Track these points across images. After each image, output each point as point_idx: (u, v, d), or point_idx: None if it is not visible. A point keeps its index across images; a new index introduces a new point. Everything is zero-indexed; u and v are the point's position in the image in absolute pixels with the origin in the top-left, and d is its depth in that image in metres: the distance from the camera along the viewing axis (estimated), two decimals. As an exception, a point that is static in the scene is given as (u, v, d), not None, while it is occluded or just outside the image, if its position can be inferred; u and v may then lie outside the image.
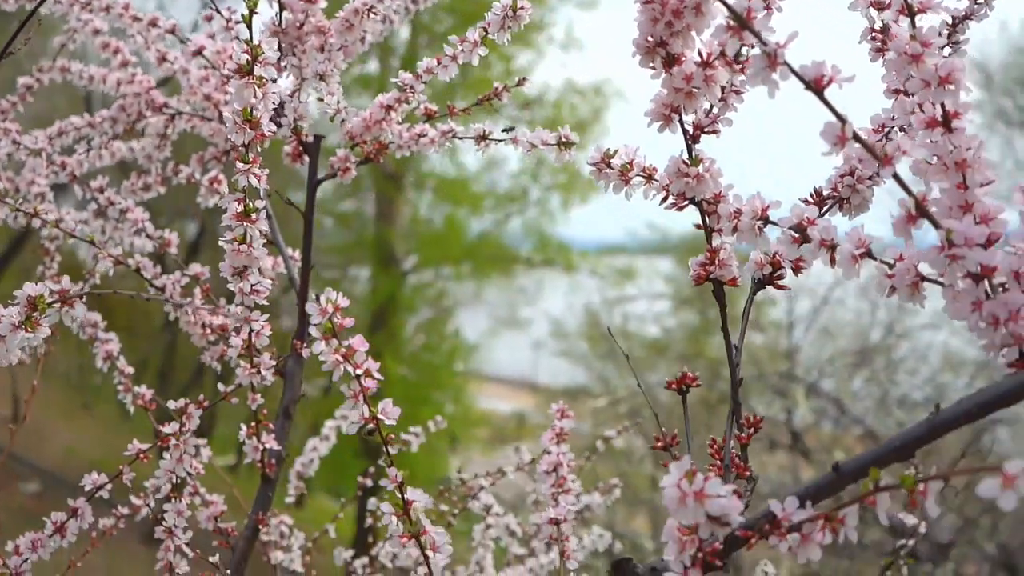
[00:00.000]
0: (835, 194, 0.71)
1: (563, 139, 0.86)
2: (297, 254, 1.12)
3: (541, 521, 0.91)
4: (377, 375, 0.65)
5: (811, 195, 0.72)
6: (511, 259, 14.11)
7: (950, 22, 0.74)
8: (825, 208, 0.72)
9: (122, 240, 1.27)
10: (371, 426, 0.66)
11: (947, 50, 0.75)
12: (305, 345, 1.01)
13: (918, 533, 1.10)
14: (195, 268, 1.10)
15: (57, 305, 0.68)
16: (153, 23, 1.13)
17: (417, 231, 13.58)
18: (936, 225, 0.53)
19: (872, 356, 6.88)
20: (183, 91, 1.21)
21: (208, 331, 1.06)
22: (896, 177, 0.53)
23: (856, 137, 0.52)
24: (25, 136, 1.18)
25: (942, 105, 0.56)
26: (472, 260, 13.92)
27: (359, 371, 0.64)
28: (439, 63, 0.95)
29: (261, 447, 1.00)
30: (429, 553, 0.67)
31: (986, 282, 0.55)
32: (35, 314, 0.68)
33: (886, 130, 0.72)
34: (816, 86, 0.52)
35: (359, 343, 0.65)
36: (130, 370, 1.13)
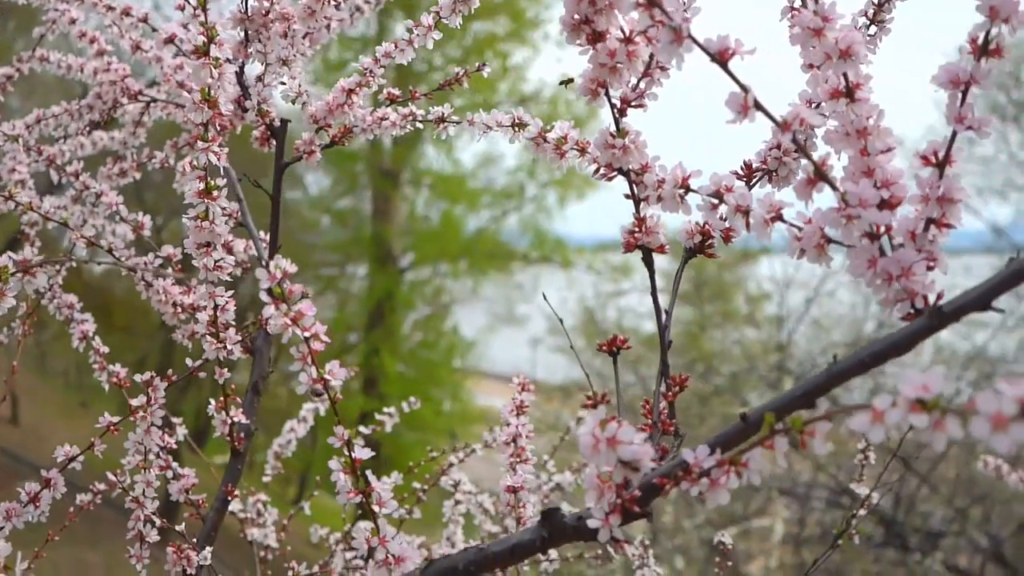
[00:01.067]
0: (764, 166, 0.75)
1: (516, 121, 0.89)
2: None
3: (499, 489, 0.95)
4: (324, 338, 0.69)
5: (741, 167, 0.75)
6: (508, 256, 14.14)
7: (876, 1, 0.78)
8: (755, 180, 0.75)
9: (103, 228, 1.30)
10: (319, 387, 0.69)
11: (872, 28, 0.78)
12: (270, 321, 1.04)
13: (869, 502, 1.13)
14: (167, 249, 1.13)
15: (19, 275, 0.71)
16: (126, 12, 1.17)
17: (414, 228, 13.61)
18: (834, 188, 0.57)
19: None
20: (159, 79, 1.25)
21: (179, 310, 1.09)
22: (796, 142, 0.56)
23: (757, 105, 0.56)
24: (4, 124, 1.22)
25: (844, 76, 0.59)
26: (469, 257, 13.96)
27: (307, 334, 0.68)
28: (396, 47, 0.98)
29: (229, 421, 1.03)
30: (375, 508, 0.70)
31: (886, 241, 0.58)
32: None
33: (813, 105, 0.75)
34: (721, 58, 0.56)
35: (307, 308, 0.68)
36: (105, 349, 1.16)
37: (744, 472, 0.56)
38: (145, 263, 1.10)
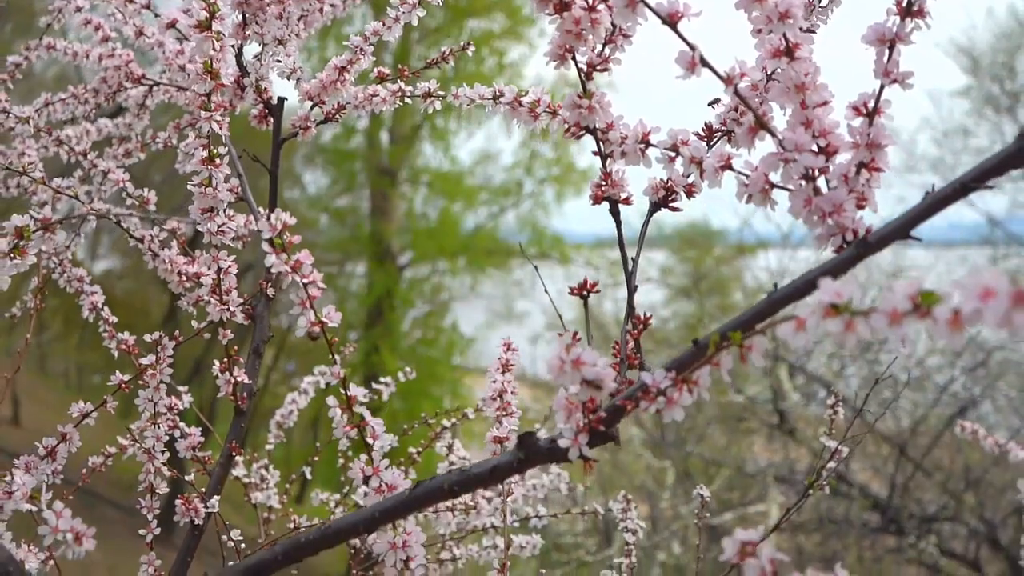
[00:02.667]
0: (723, 127, 0.81)
1: (496, 94, 0.96)
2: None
3: (486, 441, 1.01)
4: (321, 285, 0.75)
5: (702, 128, 0.82)
6: (506, 252, 14.19)
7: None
8: (715, 140, 0.81)
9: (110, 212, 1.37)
10: (315, 330, 0.76)
11: (825, 1, 0.85)
12: (271, 286, 1.11)
13: (839, 454, 1.20)
14: (172, 223, 1.20)
15: (41, 232, 0.78)
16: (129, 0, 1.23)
17: (412, 226, 13.66)
18: (773, 135, 0.63)
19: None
20: (160, 63, 1.31)
21: (184, 279, 1.16)
22: (738, 95, 0.63)
23: (703, 62, 0.62)
24: (14, 107, 1.28)
25: (784, 37, 0.66)
26: (467, 254, 14.01)
27: (306, 280, 0.74)
28: (384, 24, 1.05)
29: (233, 381, 1.10)
30: (369, 440, 0.77)
31: (821, 183, 0.65)
32: (21, 242, 0.78)
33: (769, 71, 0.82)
34: (671, 20, 0.63)
35: (305, 256, 0.75)
36: (114, 319, 1.23)
37: (695, 389, 0.63)
38: (151, 235, 1.17)
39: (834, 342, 0.50)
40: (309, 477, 1.47)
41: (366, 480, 0.76)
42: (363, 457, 0.78)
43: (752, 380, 7.03)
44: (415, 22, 1.02)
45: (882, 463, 6.87)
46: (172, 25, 1.17)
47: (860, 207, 0.63)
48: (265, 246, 0.74)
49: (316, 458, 1.51)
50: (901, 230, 0.59)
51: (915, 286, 0.45)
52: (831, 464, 1.18)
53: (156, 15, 1.22)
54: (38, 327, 1.31)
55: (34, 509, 0.78)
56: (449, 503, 1.33)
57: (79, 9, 1.31)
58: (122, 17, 1.26)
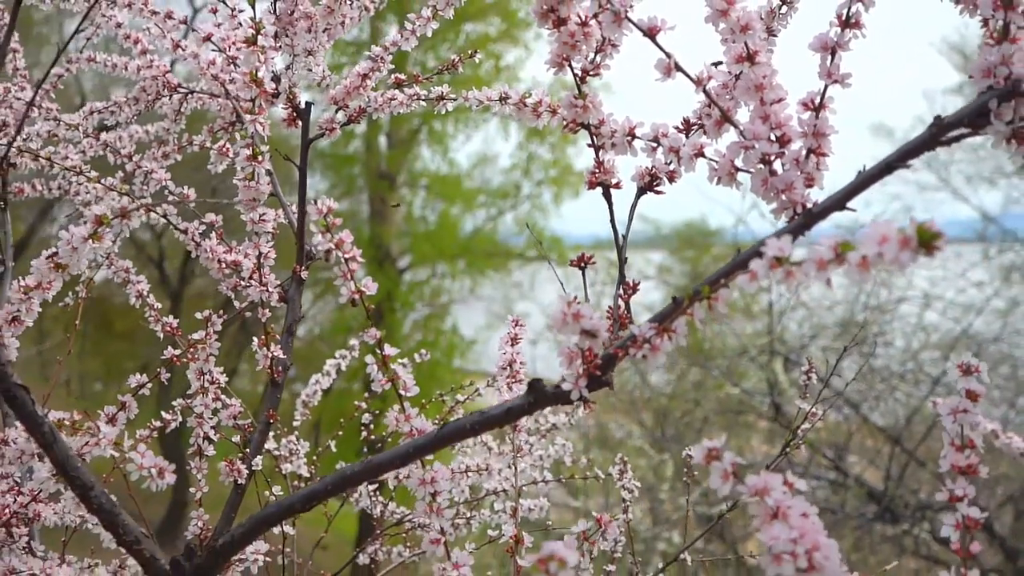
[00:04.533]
0: (699, 121, 0.95)
1: (503, 95, 1.09)
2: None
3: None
4: (360, 259, 0.89)
5: (681, 122, 0.95)
6: (505, 254, 14.32)
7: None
8: (692, 132, 0.95)
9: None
10: (356, 296, 0.89)
11: (784, 8, 0.98)
12: (304, 269, 1.24)
13: (812, 417, 1.33)
14: (210, 217, 1.33)
15: (118, 219, 0.91)
16: (168, 16, 1.37)
17: (411, 229, 13.78)
18: (736, 127, 0.77)
19: (852, 330, 7.14)
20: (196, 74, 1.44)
21: (223, 266, 1.29)
22: (706, 94, 0.76)
23: (678, 67, 0.76)
24: (64, 115, 1.42)
25: (746, 44, 0.79)
26: (466, 256, 14.13)
27: (347, 256, 0.88)
28: (402, 36, 1.19)
29: (270, 355, 1.23)
30: (402, 392, 0.90)
31: (778, 166, 0.78)
32: (100, 228, 0.91)
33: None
34: (650, 33, 0.76)
35: (347, 235, 0.89)
36: (159, 305, 1.36)
37: (673, 336, 0.76)
38: (193, 228, 1.30)
39: (786, 289, 0.63)
40: (334, 450, 1.60)
41: (398, 424, 0.89)
42: (396, 407, 0.91)
43: (750, 375, 7.17)
44: (429, 34, 1.16)
45: (876, 456, 7.01)
46: (208, 39, 1.31)
47: (809, 186, 0.77)
48: (313, 227, 0.88)
49: (340, 432, 1.64)
50: (838, 203, 0.72)
51: (836, 239, 0.59)
52: (805, 425, 1.31)
53: (193, 30, 1.36)
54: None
55: (117, 455, 0.91)
56: (463, 467, 1.46)
57: (119, 25, 1.45)
58: (160, 31, 1.39)
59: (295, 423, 1.65)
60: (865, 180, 0.71)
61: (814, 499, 6.15)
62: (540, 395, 0.82)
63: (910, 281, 7.85)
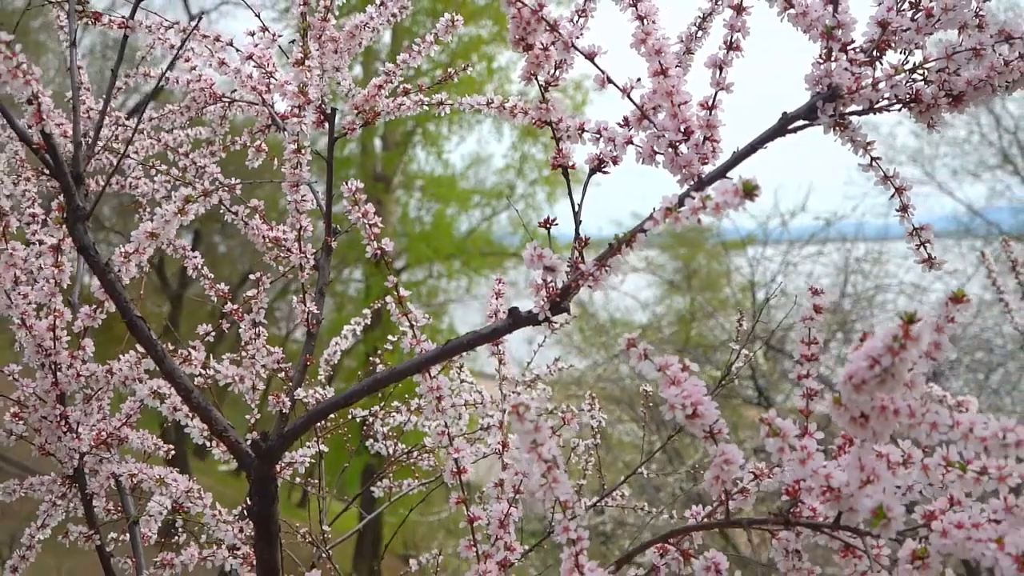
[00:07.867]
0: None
1: (489, 101, 1.40)
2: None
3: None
4: (380, 224, 1.20)
5: (622, 119, 1.26)
6: (500, 254, 14.60)
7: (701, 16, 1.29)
8: (630, 126, 1.26)
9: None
10: (379, 252, 1.20)
11: (700, 32, 1.29)
12: (333, 240, 1.55)
13: (747, 354, 1.64)
14: (254, 202, 1.64)
15: (202, 197, 1.22)
16: (217, 39, 1.67)
17: (407, 230, 14.06)
18: (651, 122, 1.08)
19: (835, 317, 7.48)
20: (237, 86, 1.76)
21: (266, 240, 1.60)
22: (629, 99, 1.08)
23: (609, 80, 1.07)
24: (128, 120, 1.73)
25: (659, 63, 1.11)
26: (462, 256, 14.41)
27: (370, 222, 1.19)
28: (410, 55, 1.50)
29: (307, 311, 1.54)
30: (416, 332, 1.21)
31: (684, 149, 1.10)
32: (188, 205, 1.23)
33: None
34: (590, 56, 1.07)
35: (370, 207, 1.20)
36: (211, 276, 1.67)
37: (608, 270, 1.07)
38: (240, 210, 1.61)
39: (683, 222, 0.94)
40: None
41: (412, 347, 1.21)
42: (409, 334, 1.22)
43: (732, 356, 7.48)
44: (434, 55, 1.47)
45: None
46: (250, 57, 1.62)
47: (704, 163, 1.08)
48: (345, 202, 1.19)
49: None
50: (718, 174, 1.04)
51: (734, 181, 0.90)
52: (738, 364, 1.62)
53: (238, 50, 1.67)
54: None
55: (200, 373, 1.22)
56: (462, 400, 1.77)
57: (173, 47, 1.76)
58: (209, 51, 1.71)
59: (319, 377, 1.97)
60: (736, 158, 1.03)
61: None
62: (517, 318, 1.14)
63: (887, 271, 8.20)
